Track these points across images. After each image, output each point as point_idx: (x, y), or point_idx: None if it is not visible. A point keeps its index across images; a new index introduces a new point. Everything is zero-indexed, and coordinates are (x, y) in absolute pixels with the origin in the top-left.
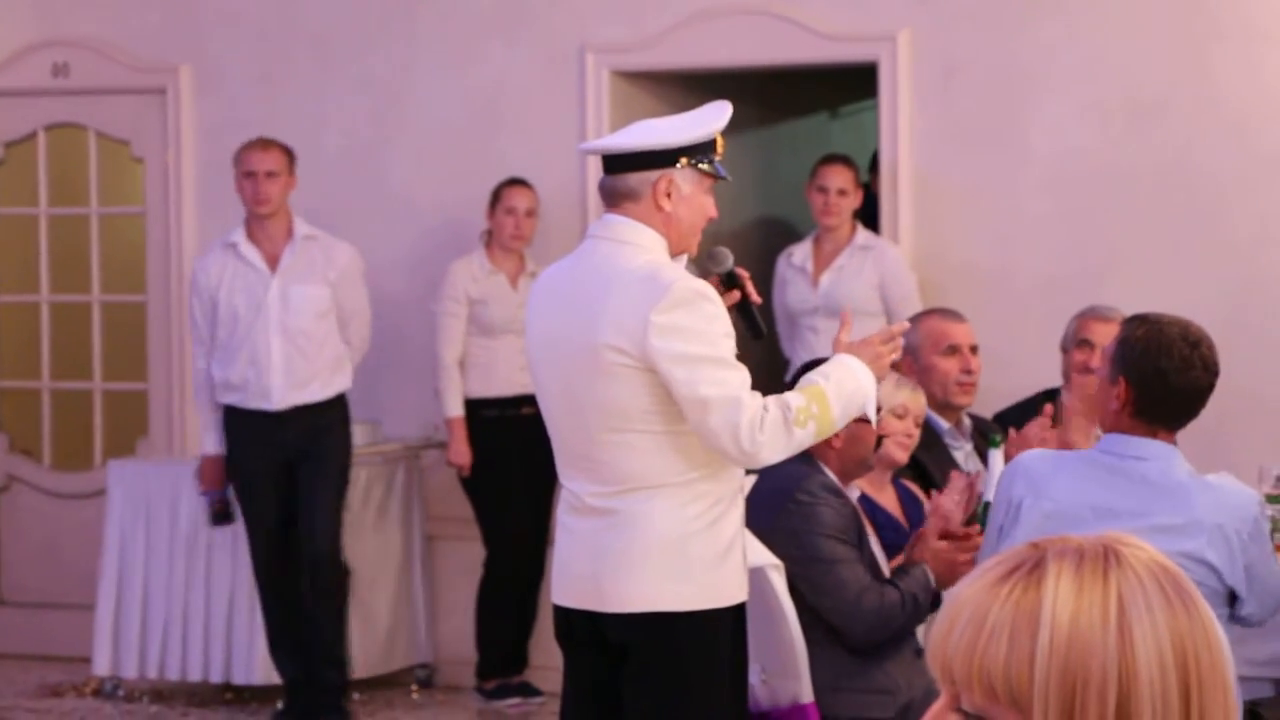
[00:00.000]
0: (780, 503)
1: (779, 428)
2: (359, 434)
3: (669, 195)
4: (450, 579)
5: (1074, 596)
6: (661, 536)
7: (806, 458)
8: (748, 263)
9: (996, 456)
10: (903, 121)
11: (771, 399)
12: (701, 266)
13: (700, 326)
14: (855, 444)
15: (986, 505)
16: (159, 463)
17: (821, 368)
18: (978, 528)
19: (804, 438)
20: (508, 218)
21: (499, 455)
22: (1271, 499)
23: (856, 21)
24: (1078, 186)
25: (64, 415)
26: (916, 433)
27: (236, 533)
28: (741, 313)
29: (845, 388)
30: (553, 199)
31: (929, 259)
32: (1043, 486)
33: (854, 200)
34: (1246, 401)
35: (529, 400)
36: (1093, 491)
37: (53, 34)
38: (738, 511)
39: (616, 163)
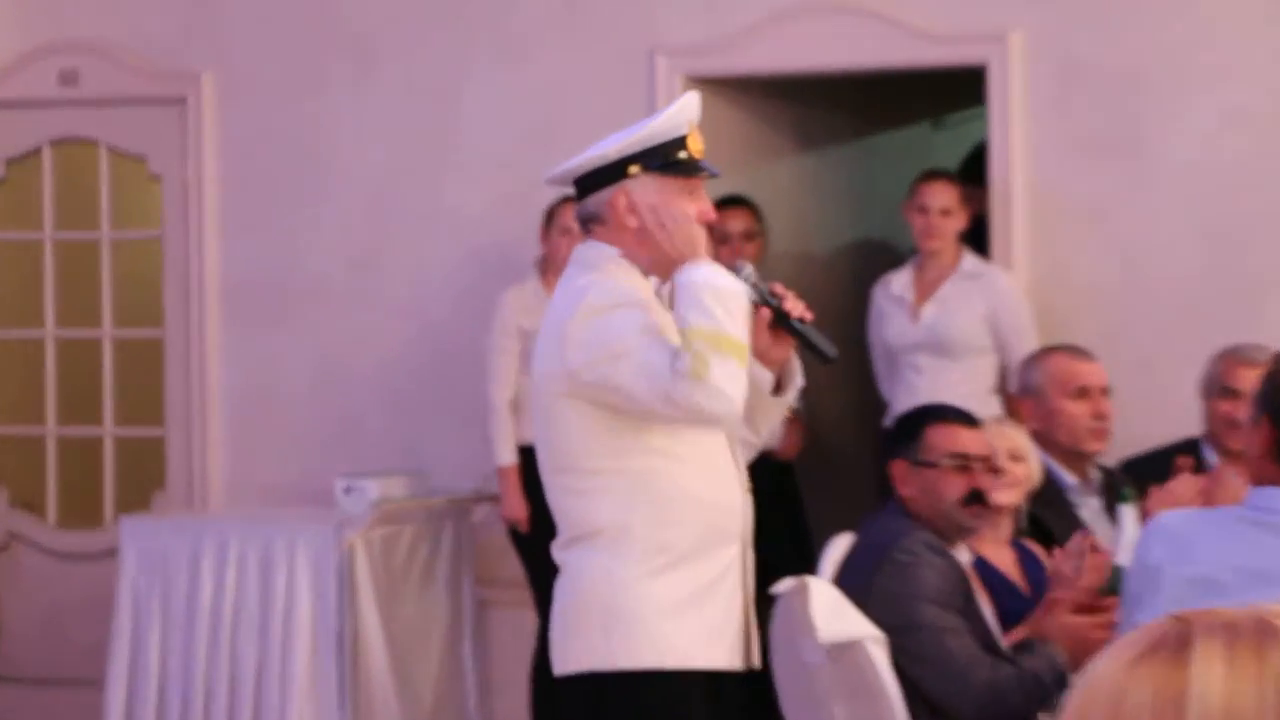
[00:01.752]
0: (876, 562)
1: (694, 383)
2: (400, 486)
3: (631, 210)
4: (503, 649)
5: (1226, 679)
6: (595, 587)
7: (908, 512)
8: (838, 293)
9: (1128, 514)
10: (1015, 131)
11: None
12: None
13: (612, 333)
14: (926, 494)
15: (1118, 570)
16: (178, 519)
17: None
18: (1115, 600)
19: (724, 373)
20: (563, 238)
21: None
22: None
23: (963, 20)
24: (1219, 201)
25: (71, 465)
26: (1018, 471)
27: (267, 601)
28: (792, 334)
29: (700, 297)
30: None
31: (1046, 286)
32: (1185, 549)
33: (959, 221)
34: None
35: None
36: (1239, 552)
37: (59, 37)
38: (710, 566)
39: (577, 188)
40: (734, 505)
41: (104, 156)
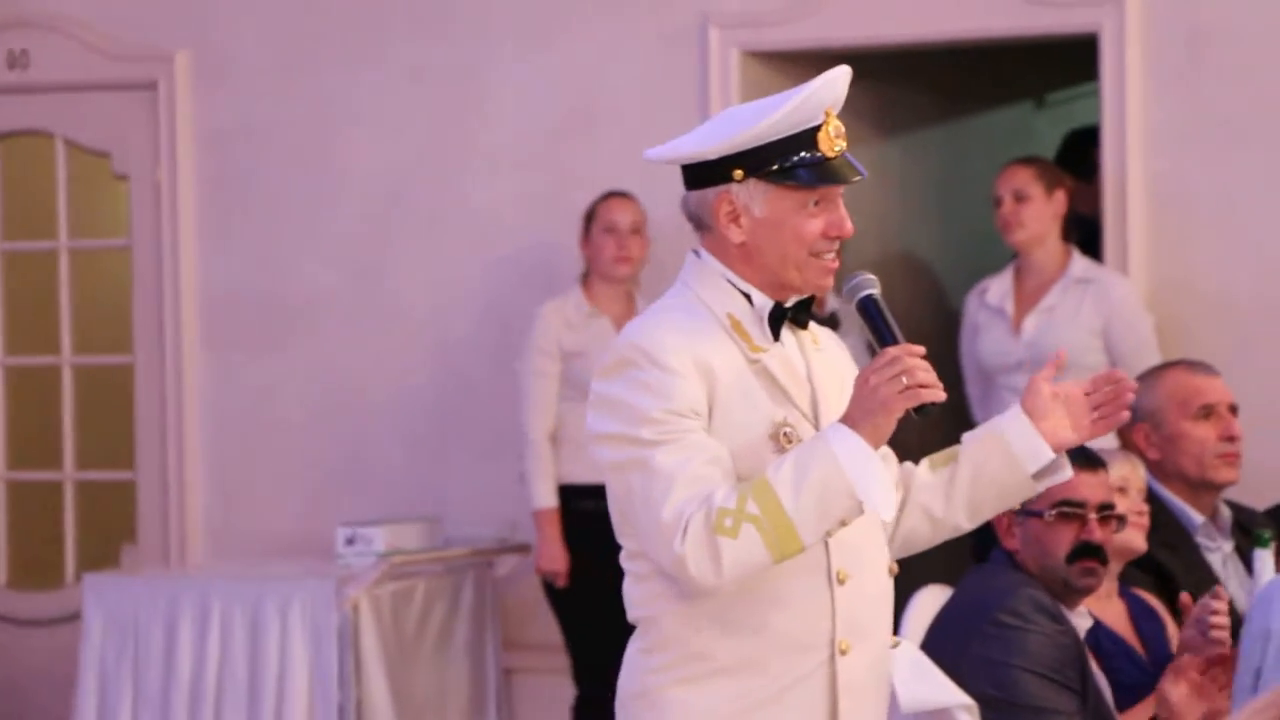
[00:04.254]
0: (977, 624)
1: (701, 537)
2: (412, 535)
3: (736, 221)
4: None
5: None
6: (627, 685)
7: (1017, 565)
8: (924, 304)
9: (1265, 559)
10: (1133, 111)
11: (711, 494)
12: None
13: (627, 398)
14: (1031, 548)
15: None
16: (151, 577)
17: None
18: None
19: (740, 551)
20: (607, 237)
21: (602, 560)
22: None
23: None
24: None
25: (25, 515)
26: (1145, 508)
27: (256, 671)
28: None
29: (809, 471)
30: (667, 219)
31: (1170, 294)
32: None
33: (1044, 209)
34: None
35: None
36: None
37: (7, 12)
38: (772, 680)
39: (684, 174)
40: (811, 605)
41: (60, 152)
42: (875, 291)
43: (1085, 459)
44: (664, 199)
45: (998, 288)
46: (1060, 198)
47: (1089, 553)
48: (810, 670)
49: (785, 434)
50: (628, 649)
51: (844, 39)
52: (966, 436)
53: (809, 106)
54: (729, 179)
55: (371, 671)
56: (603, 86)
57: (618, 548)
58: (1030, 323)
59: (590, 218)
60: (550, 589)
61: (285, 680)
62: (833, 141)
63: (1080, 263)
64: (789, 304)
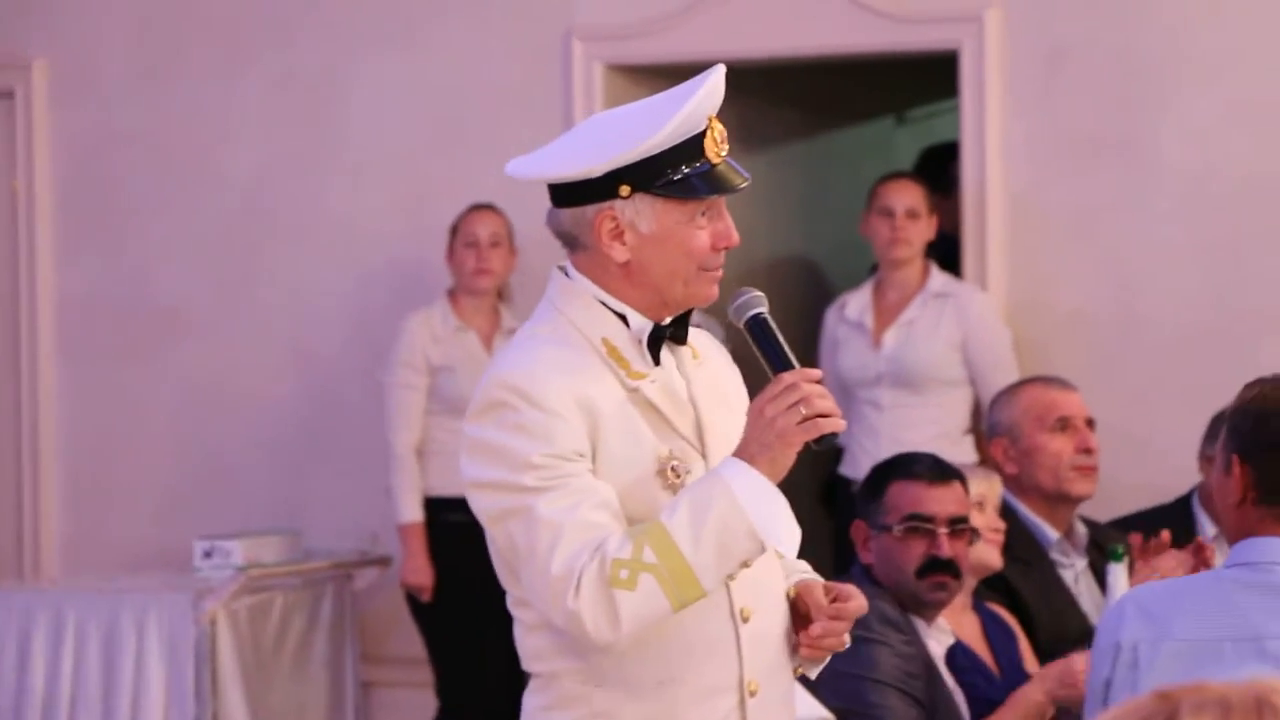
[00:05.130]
0: None
1: (596, 591)
2: (271, 548)
3: (619, 239)
4: None
5: None
6: None
7: (874, 579)
8: (784, 318)
9: (1118, 574)
10: (992, 128)
11: (603, 544)
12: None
13: (504, 442)
14: (884, 563)
15: None
16: (3, 591)
17: (685, 487)
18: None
19: (638, 604)
20: (468, 250)
21: (467, 574)
22: None
23: None
24: (1226, 210)
25: None
26: (1002, 525)
27: (111, 686)
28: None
29: (707, 513)
30: (534, 233)
31: (1028, 309)
32: (1163, 623)
33: (927, 229)
34: None
35: None
36: (1228, 619)
37: None
38: None
39: (552, 193)
40: (718, 649)
41: None
42: (764, 310)
43: (938, 472)
44: (532, 211)
45: (856, 302)
46: (935, 218)
47: (938, 567)
48: (721, 717)
49: (673, 468)
50: (525, 703)
51: (708, 53)
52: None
53: (697, 115)
54: (614, 195)
55: (228, 686)
56: (468, 98)
57: (485, 561)
58: (890, 337)
59: (454, 231)
60: (414, 603)
61: (141, 695)
62: (719, 147)
63: (939, 277)
64: (666, 322)
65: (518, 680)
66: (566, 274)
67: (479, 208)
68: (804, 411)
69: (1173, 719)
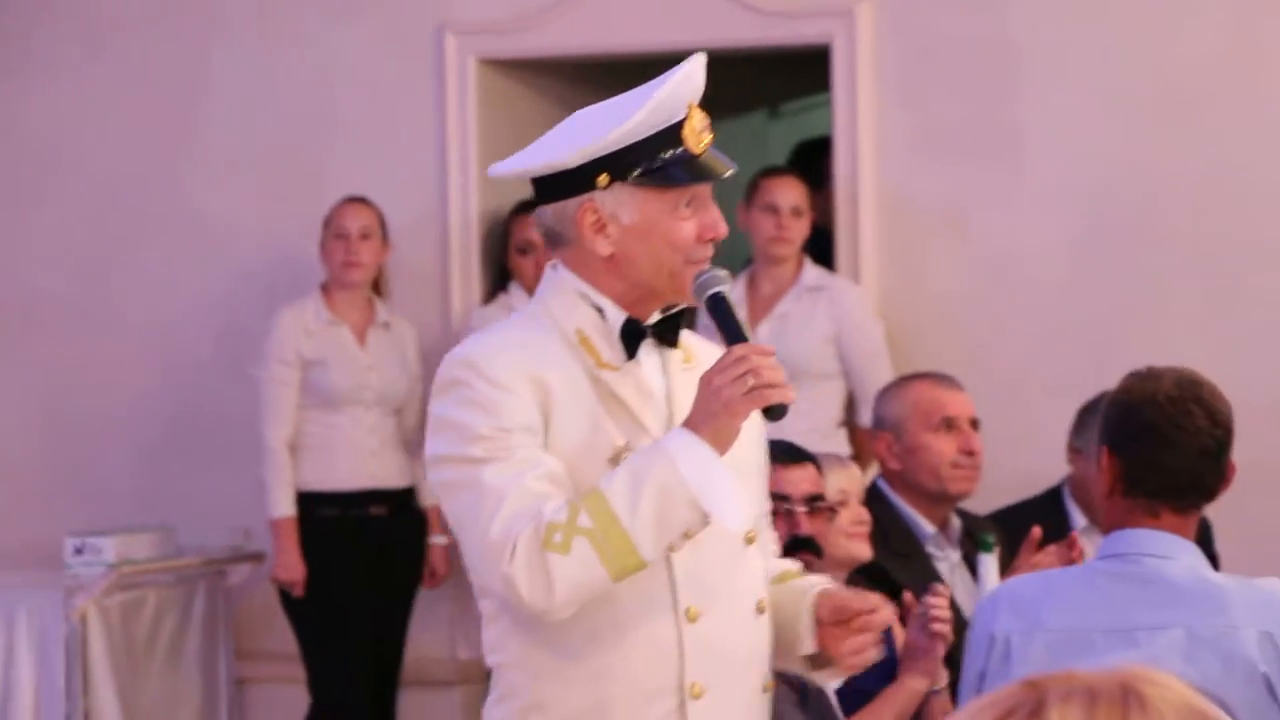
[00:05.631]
0: None
1: (530, 554)
2: (142, 544)
3: (602, 231)
4: None
5: None
6: None
7: None
8: None
9: (989, 564)
10: (864, 122)
11: (540, 509)
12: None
13: (457, 417)
14: None
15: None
16: None
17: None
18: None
19: (571, 568)
20: (338, 243)
21: (339, 569)
22: None
23: None
24: (1093, 202)
25: None
26: (867, 517)
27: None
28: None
29: (645, 479)
30: (406, 228)
31: (901, 302)
32: (1035, 614)
33: (807, 223)
34: None
35: (381, 496)
36: (1098, 609)
37: None
38: None
39: (535, 188)
40: (658, 646)
41: None
42: (725, 289)
43: (789, 454)
44: (405, 205)
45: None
46: (812, 216)
47: (799, 546)
48: (658, 718)
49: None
50: (488, 702)
51: (581, 47)
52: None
53: (672, 103)
54: (592, 186)
55: (100, 682)
56: (339, 90)
57: (357, 556)
58: (764, 330)
59: (326, 223)
60: (286, 598)
61: (10, 692)
62: (699, 136)
63: (812, 271)
64: (652, 321)
65: (388, 676)
66: (554, 269)
67: (350, 200)
68: (751, 382)
69: (1040, 708)
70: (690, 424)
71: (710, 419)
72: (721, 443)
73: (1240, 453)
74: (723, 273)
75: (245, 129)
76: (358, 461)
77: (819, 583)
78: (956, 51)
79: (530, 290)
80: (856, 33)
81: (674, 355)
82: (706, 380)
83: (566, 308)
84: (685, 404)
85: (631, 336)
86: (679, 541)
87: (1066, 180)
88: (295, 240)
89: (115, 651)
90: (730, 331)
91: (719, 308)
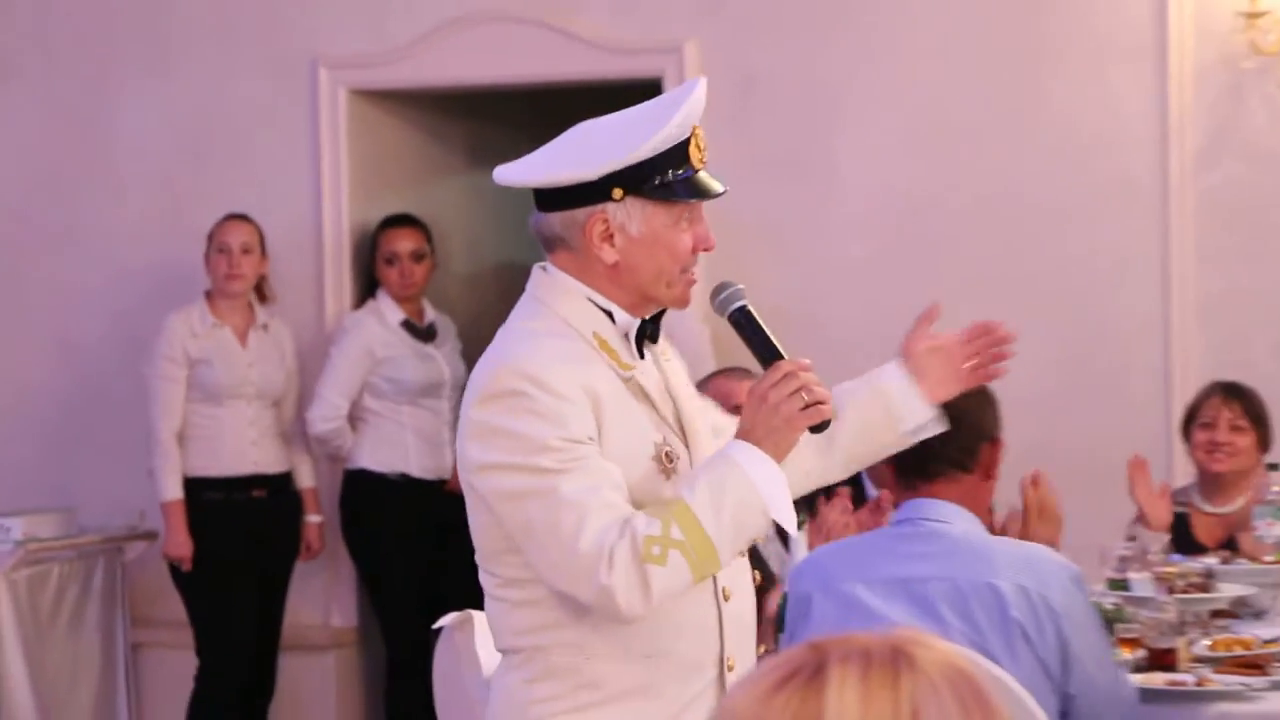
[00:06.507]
0: None
1: (629, 564)
2: (47, 523)
3: (609, 241)
4: (159, 693)
5: (860, 706)
6: (502, 713)
7: None
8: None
9: (798, 539)
10: None
11: (629, 521)
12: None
13: (518, 427)
14: None
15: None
16: None
17: (698, 467)
18: None
19: (669, 577)
20: (220, 257)
21: (223, 546)
22: (1114, 584)
23: (638, 31)
24: (898, 225)
25: None
26: None
27: None
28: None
29: (725, 493)
30: (283, 242)
31: (718, 316)
32: (831, 574)
33: None
34: (1084, 471)
35: (261, 481)
36: (879, 566)
37: None
38: (664, 704)
39: (538, 198)
40: (704, 625)
41: None
42: (748, 302)
43: None
44: (283, 220)
45: None
46: None
47: None
48: (701, 690)
49: (666, 454)
50: (503, 679)
51: (440, 80)
52: (841, 390)
53: (684, 123)
54: (606, 198)
55: (8, 650)
56: (219, 117)
57: (242, 535)
58: None
59: (210, 238)
60: (176, 572)
61: None
62: (701, 155)
63: None
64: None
65: (269, 641)
66: (546, 271)
67: (232, 217)
68: (805, 398)
69: (822, 668)
70: (751, 438)
71: (771, 434)
72: (781, 455)
73: (1016, 437)
74: (740, 286)
75: (140, 151)
76: (240, 450)
77: (870, 387)
78: (774, 84)
79: (395, 295)
80: (685, 66)
81: (658, 350)
82: (761, 396)
83: (579, 313)
84: (680, 393)
85: (639, 337)
86: (746, 547)
87: (873, 204)
88: (182, 252)
89: (23, 621)
90: (763, 345)
91: (748, 322)
